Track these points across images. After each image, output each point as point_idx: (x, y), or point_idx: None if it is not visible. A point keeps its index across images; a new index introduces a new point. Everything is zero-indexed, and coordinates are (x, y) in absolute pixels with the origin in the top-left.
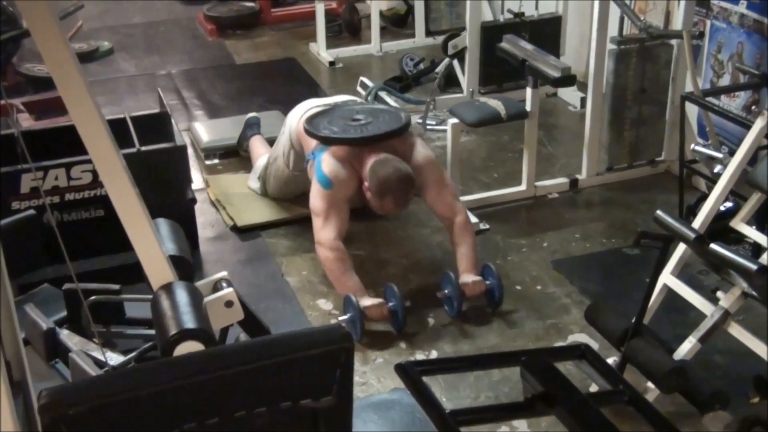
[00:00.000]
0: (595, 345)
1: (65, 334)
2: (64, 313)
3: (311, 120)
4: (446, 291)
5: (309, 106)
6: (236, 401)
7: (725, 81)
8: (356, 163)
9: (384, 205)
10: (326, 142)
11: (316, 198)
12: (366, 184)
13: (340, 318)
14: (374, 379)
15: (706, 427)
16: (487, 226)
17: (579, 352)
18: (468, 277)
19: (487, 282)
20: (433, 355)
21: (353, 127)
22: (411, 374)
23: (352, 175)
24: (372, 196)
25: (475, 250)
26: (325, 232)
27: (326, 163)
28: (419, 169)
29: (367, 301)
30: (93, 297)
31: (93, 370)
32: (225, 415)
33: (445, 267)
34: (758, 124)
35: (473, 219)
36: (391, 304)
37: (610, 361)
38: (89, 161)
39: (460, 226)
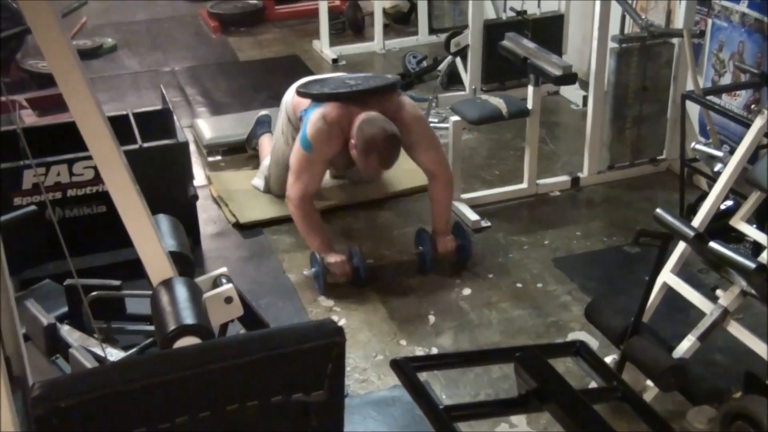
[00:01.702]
0: (595, 343)
1: (66, 330)
2: (65, 309)
3: (305, 85)
4: (420, 248)
5: (300, 83)
6: (228, 395)
7: (726, 80)
8: (345, 122)
9: (369, 163)
10: (317, 98)
11: (294, 156)
12: (352, 141)
13: (305, 272)
14: (374, 376)
15: (690, 422)
16: (489, 224)
17: (574, 349)
18: (441, 236)
19: (458, 240)
20: (434, 351)
21: (344, 87)
22: (406, 370)
23: (337, 137)
24: (358, 154)
25: (450, 210)
26: (294, 189)
27: (311, 124)
28: (408, 128)
29: (330, 258)
30: (94, 293)
31: (93, 366)
32: (216, 409)
33: (444, 262)
34: (758, 123)
35: (474, 217)
36: (354, 261)
37: (610, 359)
38: (91, 157)
39: (442, 183)
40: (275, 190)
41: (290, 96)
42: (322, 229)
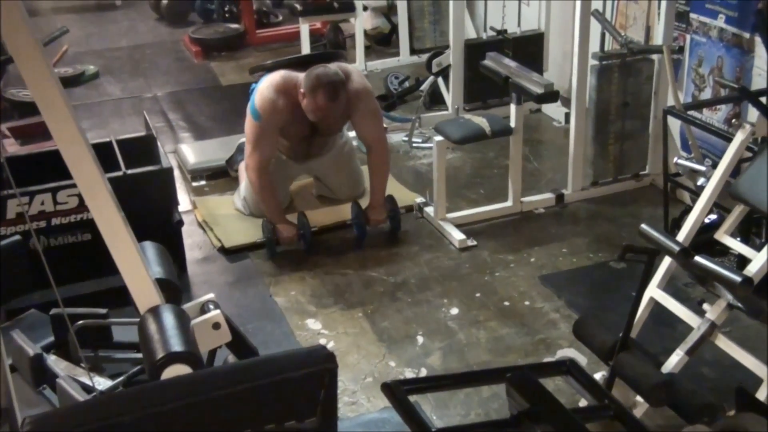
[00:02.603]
0: (583, 359)
1: (52, 360)
2: (51, 339)
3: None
4: (355, 219)
5: None
6: (220, 425)
7: (706, 94)
8: (291, 87)
9: (317, 101)
10: (263, 68)
11: (248, 127)
12: (301, 91)
13: (257, 240)
14: (364, 398)
15: None
16: (475, 243)
17: (564, 367)
18: (374, 207)
19: (389, 211)
20: (423, 372)
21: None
22: (397, 393)
23: (285, 104)
24: (306, 97)
25: (385, 182)
26: (252, 157)
27: (259, 93)
28: (356, 95)
29: (281, 226)
30: (80, 321)
31: (80, 396)
32: None
33: (431, 282)
34: (739, 137)
35: (460, 236)
36: (301, 230)
37: (599, 375)
38: (75, 185)
39: (379, 155)
40: (255, 210)
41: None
42: (276, 198)
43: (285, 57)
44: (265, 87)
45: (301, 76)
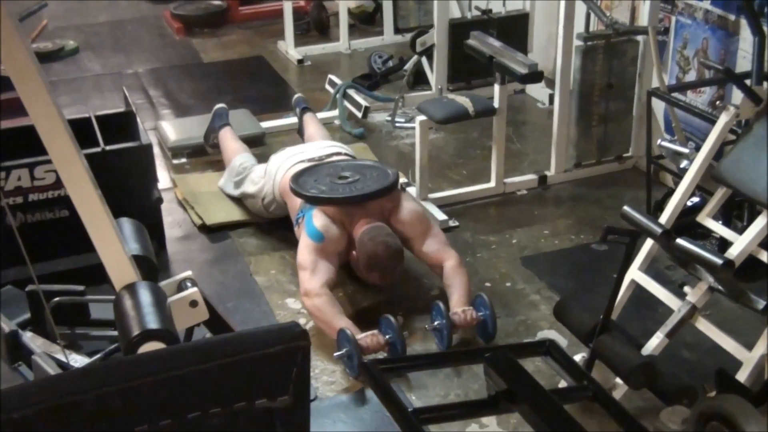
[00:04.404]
0: (564, 341)
1: (28, 337)
2: (27, 315)
3: (297, 179)
4: (436, 323)
5: (292, 160)
6: (189, 402)
7: (691, 76)
8: (346, 222)
9: (371, 278)
10: (314, 202)
11: (305, 252)
12: (354, 253)
13: (336, 354)
14: (343, 378)
15: (664, 422)
16: (457, 223)
17: (544, 348)
18: (459, 308)
19: (480, 313)
20: None
21: (341, 186)
22: (374, 373)
23: (343, 233)
24: (360, 267)
25: (469, 289)
26: (312, 282)
27: (317, 218)
28: (406, 224)
29: (363, 338)
30: (56, 298)
31: (56, 373)
32: (178, 417)
33: (412, 262)
34: (723, 119)
35: (442, 216)
36: (388, 336)
37: (579, 357)
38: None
39: (451, 269)
40: (251, 207)
41: (280, 173)
42: (344, 315)
43: (329, 192)
44: (321, 214)
45: (354, 213)
